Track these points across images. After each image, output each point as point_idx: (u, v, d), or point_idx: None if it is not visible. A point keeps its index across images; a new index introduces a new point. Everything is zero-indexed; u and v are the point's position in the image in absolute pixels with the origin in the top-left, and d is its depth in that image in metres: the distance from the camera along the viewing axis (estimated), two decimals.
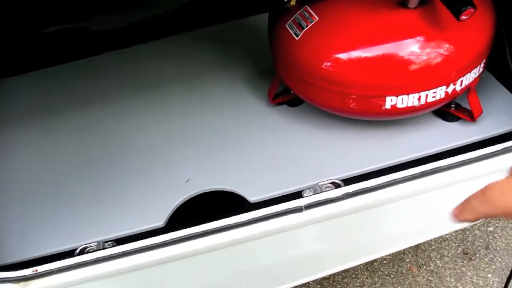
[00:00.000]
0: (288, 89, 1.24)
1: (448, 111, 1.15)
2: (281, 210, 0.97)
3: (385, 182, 0.99)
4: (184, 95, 1.39)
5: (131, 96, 1.44)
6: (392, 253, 1.89)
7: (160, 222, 1.07)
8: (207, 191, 1.12)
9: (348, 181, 1.06)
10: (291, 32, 1.06)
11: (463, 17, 0.88)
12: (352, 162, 1.12)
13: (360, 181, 0.99)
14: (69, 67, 1.65)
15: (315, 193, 1.03)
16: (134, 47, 1.65)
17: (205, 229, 0.96)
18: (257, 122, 1.26)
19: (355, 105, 1.06)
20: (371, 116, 1.10)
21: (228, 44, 1.57)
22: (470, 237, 1.93)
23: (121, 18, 1.75)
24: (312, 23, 1.03)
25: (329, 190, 1.02)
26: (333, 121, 1.22)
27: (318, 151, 1.16)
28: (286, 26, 1.07)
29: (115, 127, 1.35)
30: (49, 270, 0.98)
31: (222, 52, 1.53)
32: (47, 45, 1.75)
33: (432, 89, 0.99)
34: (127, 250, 0.97)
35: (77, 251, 1.04)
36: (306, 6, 1.05)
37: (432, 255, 1.88)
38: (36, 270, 0.98)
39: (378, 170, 1.10)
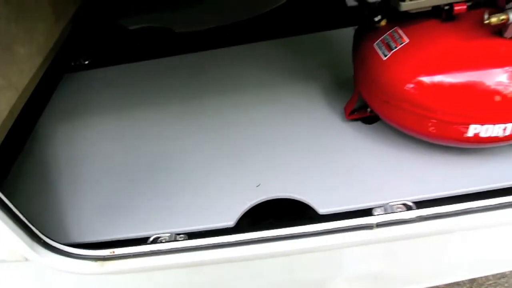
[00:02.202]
0: (365, 106, 1.25)
1: None
2: (353, 225, 0.98)
3: (460, 210, 0.97)
4: (262, 102, 1.44)
5: (211, 97, 1.50)
6: (447, 283, 1.83)
7: (230, 222, 1.11)
8: (278, 197, 1.15)
9: (418, 204, 1.05)
10: (379, 51, 1.07)
11: None
12: (424, 186, 1.10)
13: (431, 206, 0.99)
14: (151, 64, 1.75)
15: (386, 212, 1.03)
16: (211, 51, 1.72)
17: (278, 235, 0.99)
18: (331, 136, 1.28)
19: (434, 130, 1.05)
20: (450, 142, 1.09)
21: (309, 55, 1.60)
22: None
23: (199, 23, 1.84)
24: (402, 44, 1.04)
25: (399, 211, 1.02)
26: (408, 143, 1.21)
27: (390, 171, 1.16)
28: (374, 45, 1.08)
29: (193, 126, 1.41)
30: (125, 253, 1.05)
31: (302, 63, 1.56)
32: (132, 41, 1.88)
33: None
34: (199, 245, 1.02)
35: (151, 239, 1.10)
36: (397, 27, 1.06)
37: None
38: (113, 252, 1.05)
39: (450, 197, 1.08)
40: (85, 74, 1.75)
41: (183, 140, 1.37)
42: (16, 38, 1.46)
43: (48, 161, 1.40)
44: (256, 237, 1.01)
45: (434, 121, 1.03)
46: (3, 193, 0.93)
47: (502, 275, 1.84)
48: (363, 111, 1.27)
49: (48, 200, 1.26)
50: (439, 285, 1.83)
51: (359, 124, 1.30)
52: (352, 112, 1.29)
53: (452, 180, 1.11)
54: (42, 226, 1.05)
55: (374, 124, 1.29)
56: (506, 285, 1.81)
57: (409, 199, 1.07)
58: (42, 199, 1.27)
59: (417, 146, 1.20)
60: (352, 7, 1.61)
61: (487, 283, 1.82)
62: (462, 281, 1.84)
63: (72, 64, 1.79)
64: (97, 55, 1.81)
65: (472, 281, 1.83)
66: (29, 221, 0.97)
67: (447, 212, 0.98)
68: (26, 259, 0.98)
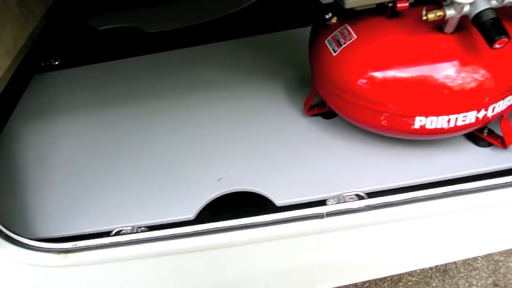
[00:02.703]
0: (324, 102, 1.29)
1: (480, 136, 1.16)
2: (304, 215, 1.03)
3: (407, 199, 1.02)
4: (224, 99, 1.48)
5: (176, 95, 1.54)
6: (419, 276, 1.88)
7: (190, 215, 1.15)
8: (237, 191, 1.19)
9: (372, 195, 1.10)
10: (329, 48, 1.11)
11: (497, 45, 0.90)
12: (378, 177, 1.15)
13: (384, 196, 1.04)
14: (121, 64, 1.78)
15: (338, 202, 1.08)
16: (180, 50, 1.76)
17: (233, 225, 1.03)
18: (291, 131, 1.32)
19: (385, 123, 1.10)
20: (400, 135, 1.14)
21: (270, 54, 1.64)
22: (502, 269, 1.87)
23: (169, 23, 1.88)
24: (350, 41, 1.08)
25: (352, 201, 1.07)
26: (364, 137, 1.25)
27: (346, 163, 1.20)
28: (326, 42, 1.13)
29: (156, 123, 1.45)
30: (87, 245, 1.08)
31: (265, 61, 1.61)
32: (102, 41, 1.91)
33: (462, 113, 1.02)
34: (158, 236, 1.05)
35: (113, 232, 1.13)
36: (346, 24, 1.10)
37: (460, 283, 1.84)
38: (76, 245, 1.08)
39: (403, 187, 1.13)
40: (55, 74, 1.78)
41: (147, 137, 1.41)
42: None
43: (16, 160, 1.42)
44: (213, 227, 1.04)
45: (385, 114, 1.08)
46: None
47: (473, 268, 1.90)
48: (322, 106, 1.32)
49: (14, 198, 1.29)
50: (413, 278, 1.89)
51: (318, 119, 1.34)
52: (312, 108, 1.33)
53: (405, 171, 1.16)
54: (7, 222, 1.08)
55: (333, 119, 1.33)
56: (477, 277, 1.86)
57: (362, 190, 1.12)
58: (9, 197, 1.30)
59: (372, 140, 1.24)
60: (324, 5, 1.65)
61: (459, 275, 1.87)
62: (434, 274, 1.89)
63: (42, 64, 1.81)
64: (67, 56, 1.84)
65: (444, 274, 1.88)
66: None
67: (395, 201, 1.03)
68: None
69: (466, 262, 1.88)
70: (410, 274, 1.87)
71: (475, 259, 1.89)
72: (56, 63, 1.83)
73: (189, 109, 1.47)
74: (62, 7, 1.96)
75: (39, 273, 1.10)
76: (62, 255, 1.07)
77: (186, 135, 1.38)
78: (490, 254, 1.88)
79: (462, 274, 1.87)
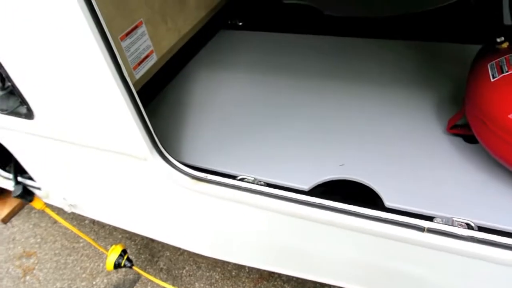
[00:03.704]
0: (469, 124, 1.26)
1: None
2: (407, 222, 1.06)
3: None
4: (369, 93, 1.53)
5: (331, 79, 1.64)
6: None
7: (305, 186, 1.27)
8: (354, 180, 1.26)
9: (484, 230, 1.06)
10: (490, 72, 1.08)
11: None
12: (497, 216, 1.10)
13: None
14: (294, 38, 1.93)
15: (446, 224, 1.07)
16: (354, 39, 1.84)
17: (343, 208, 1.12)
18: (425, 141, 1.32)
19: None
20: None
21: (431, 62, 1.62)
22: None
23: (350, 10, 1.95)
24: None
25: (459, 227, 1.06)
26: (499, 173, 1.20)
27: (470, 192, 1.17)
28: (488, 65, 1.10)
29: (303, 98, 1.58)
30: (215, 180, 1.28)
31: (421, 67, 1.60)
32: (284, 13, 2.08)
33: None
34: (277, 194, 1.20)
35: (238, 177, 1.31)
36: None
37: None
38: (207, 176, 1.29)
39: None
40: (237, 33, 2.02)
41: (292, 108, 1.54)
42: None
43: (187, 95, 1.70)
44: (326, 204, 1.14)
45: None
46: (146, 112, 1.21)
47: None
48: (467, 129, 1.28)
49: (172, 126, 1.56)
50: None
51: (458, 140, 1.31)
52: (455, 127, 1.31)
53: None
54: (163, 141, 1.33)
55: (473, 145, 1.29)
56: None
57: (475, 221, 1.09)
58: (171, 123, 1.57)
59: (506, 178, 1.18)
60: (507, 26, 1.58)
61: None
62: None
63: (228, 22, 2.07)
64: (250, 19, 2.06)
65: None
66: (155, 134, 1.26)
67: (504, 243, 0.99)
68: (145, 159, 1.27)
69: None
70: None
71: None
72: (240, 23, 2.07)
73: (335, 94, 1.56)
74: None
75: (174, 189, 1.35)
76: (194, 181, 1.30)
77: (325, 116, 1.48)
78: None
79: None
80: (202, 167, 1.36)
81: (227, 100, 1.64)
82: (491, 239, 1.00)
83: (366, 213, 1.11)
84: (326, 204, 1.14)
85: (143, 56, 1.59)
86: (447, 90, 1.49)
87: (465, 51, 1.62)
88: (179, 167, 1.29)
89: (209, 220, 1.43)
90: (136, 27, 1.53)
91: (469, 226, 1.07)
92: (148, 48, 1.60)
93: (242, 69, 1.80)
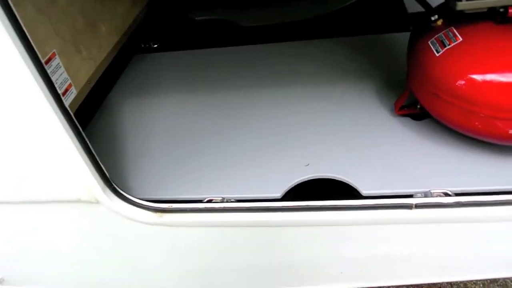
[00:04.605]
0: (415, 103, 1.32)
1: None
2: (393, 204, 1.06)
3: (499, 201, 1.03)
4: (316, 93, 1.54)
5: (269, 86, 1.61)
6: None
7: (277, 194, 1.21)
8: (325, 177, 1.24)
9: (457, 195, 1.10)
10: (433, 48, 1.14)
11: None
12: (466, 180, 1.16)
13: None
14: (213, 53, 1.89)
15: (426, 197, 1.10)
16: (277, 44, 1.84)
17: (321, 205, 1.08)
18: (379, 127, 1.35)
19: (479, 125, 1.11)
20: (495, 139, 1.14)
21: (365, 55, 1.69)
22: None
23: (265, 17, 1.97)
24: (455, 43, 1.11)
25: (441, 197, 1.09)
26: (453, 140, 1.27)
27: (434, 163, 1.22)
28: (429, 42, 1.16)
29: (251, 110, 1.52)
30: (181, 208, 1.16)
31: (356, 61, 1.66)
32: (198, 30, 2.03)
33: None
34: (250, 207, 1.12)
35: (205, 200, 1.21)
36: (452, 27, 1.13)
37: None
38: (171, 206, 1.17)
39: (492, 192, 1.12)
40: (153, 56, 1.91)
41: (241, 120, 1.48)
42: (100, 17, 1.63)
43: (117, 128, 1.55)
44: (300, 205, 1.09)
45: (481, 116, 1.09)
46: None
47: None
48: (413, 107, 1.34)
49: (114, 162, 1.40)
50: None
51: (407, 119, 1.37)
52: (402, 108, 1.36)
53: (495, 177, 1.16)
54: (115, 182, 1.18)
55: (422, 121, 1.35)
56: None
57: (450, 189, 1.13)
58: (109, 161, 1.40)
59: (462, 143, 1.26)
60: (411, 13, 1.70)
61: None
62: None
63: (142, 46, 1.96)
64: (165, 40, 1.97)
65: None
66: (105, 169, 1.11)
67: (484, 201, 1.04)
68: (98, 201, 1.11)
69: None
70: None
71: None
72: (155, 46, 1.97)
73: (283, 99, 1.54)
74: None
75: (137, 227, 1.20)
76: (158, 214, 1.16)
77: (278, 122, 1.44)
78: None
79: None
80: (161, 199, 1.24)
81: (164, 125, 1.53)
82: (474, 200, 1.04)
83: (352, 204, 1.08)
84: (312, 204, 1.09)
85: (61, 91, 1.41)
86: (384, 77, 1.56)
87: (385, 39, 1.74)
88: (138, 203, 1.15)
89: (178, 253, 1.29)
90: (49, 60, 1.35)
91: (446, 195, 1.10)
92: (65, 81, 1.43)
93: (168, 91, 1.70)
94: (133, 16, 1.88)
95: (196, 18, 2.01)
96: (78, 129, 1.00)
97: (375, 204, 1.07)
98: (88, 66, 1.57)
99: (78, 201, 1.12)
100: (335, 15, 1.84)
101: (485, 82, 1.06)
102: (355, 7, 1.87)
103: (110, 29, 1.70)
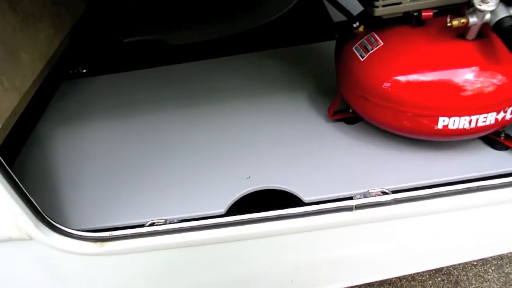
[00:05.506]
0: (347, 107, 1.37)
1: (497, 139, 1.23)
2: (334, 207, 1.08)
3: (432, 194, 1.08)
4: (251, 107, 1.55)
5: (203, 103, 1.61)
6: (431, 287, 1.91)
7: (221, 210, 1.20)
8: (266, 188, 1.24)
9: (395, 192, 1.15)
10: (357, 54, 1.19)
11: None
12: (401, 177, 1.21)
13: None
14: (144, 74, 1.86)
15: (365, 197, 1.13)
16: (208, 61, 1.84)
17: (265, 216, 1.08)
18: (315, 134, 1.39)
19: (408, 123, 1.17)
20: (423, 135, 1.20)
21: (295, 66, 1.73)
22: None
23: (193, 35, 1.97)
24: (377, 47, 1.16)
25: (379, 196, 1.12)
26: (385, 140, 1.32)
27: (370, 164, 1.27)
28: (353, 48, 1.21)
29: (186, 129, 1.51)
30: (122, 235, 1.12)
31: (289, 72, 1.69)
32: (127, 52, 2.00)
33: (483, 114, 1.09)
34: (193, 226, 1.09)
35: (147, 224, 1.17)
36: (373, 32, 1.19)
37: None
38: (111, 234, 1.12)
39: (425, 186, 1.18)
40: (82, 81, 1.85)
41: (178, 140, 1.47)
42: (21, 45, 1.56)
43: (48, 159, 1.47)
44: (244, 218, 1.09)
45: (409, 115, 1.15)
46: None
47: (485, 280, 1.93)
48: (346, 112, 1.39)
49: (48, 195, 1.33)
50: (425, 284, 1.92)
51: (341, 124, 1.41)
52: (335, 113, 1.40)
53: (426, 171, 1.22)
54: (49, 214, 1.12)
55: (355, 125, 1.40)
56: None
57: (387, 187, 1.17)
58: (42, 194, 1.34)
59: (394, 143, 1.31)
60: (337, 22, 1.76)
61: (470, 287, 1.90)
62: (446, 285, 1.92)
63: (70, 72, 1.89)
64: (94, 64, 1.92)
65: (456, 285, 1.92)
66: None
67: (420, 195, 1.08)
68: (31, 238, 1.04)
69: (477, 274, 1.92)
70: (422, 286, 1.90)
71: (486, 271, 1.93)
72: (84, 71, 1.90)
73: (218, 114, 1.54)
74: (90, 19, 2.05)
75: (77, 260, 1.14)
76: (98, 244, 1.11)
77: (215, 138, 1.44)
78: (501, 267, 1.93)
79: (473, 286, 1.90)
80: (101, 228, 1.19)
81: (98, 152, 1.48)
82: (410, 195, 1.08)
83: (295, 212, 1.09)
84: (256, 216, 1.09)
85: None
86: (316, 85, 1.61)
87: (314, 48, 1.79)
88: (76, 234, 1.09)
89: (124, 282, 1.24)
90: None
91: (384, 193, 1.14)
92: None
93: (100, 117, 1.65)
94: (57, 42, 1.81)
95: (124, 40, 1.97)
96: (3, 164, 0.93)
97: (317, 210, 1.08)
98: (12, 97, 1.49)
99: (9, 239, 1.05)
100: (263, 28, 1.88)
101: (408, 83, 1.12)
102: (283, 19, 1.92)
103: (33, 57, 1.62)
